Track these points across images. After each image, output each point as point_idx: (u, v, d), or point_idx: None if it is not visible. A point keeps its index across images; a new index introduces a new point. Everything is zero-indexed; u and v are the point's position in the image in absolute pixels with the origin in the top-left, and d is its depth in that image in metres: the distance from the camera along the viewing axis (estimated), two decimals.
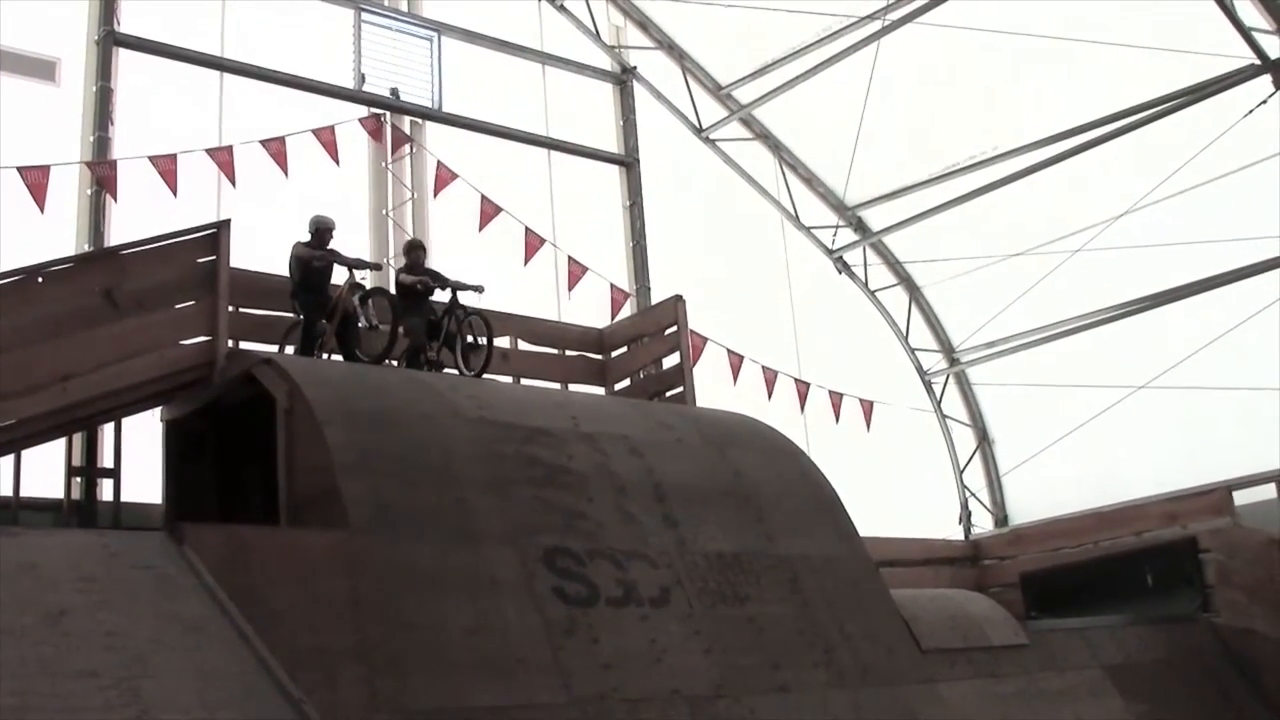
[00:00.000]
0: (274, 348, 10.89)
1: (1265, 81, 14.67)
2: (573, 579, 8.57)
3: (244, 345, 10.62)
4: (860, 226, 19.32)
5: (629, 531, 9.26)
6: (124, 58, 13.21)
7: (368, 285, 11.72)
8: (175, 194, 12.54)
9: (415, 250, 11.65)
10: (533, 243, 15.24)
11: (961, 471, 19.71)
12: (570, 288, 15.60)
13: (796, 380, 17.21)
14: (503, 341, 12.34)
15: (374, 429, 8.65)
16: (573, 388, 13.00)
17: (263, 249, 11.08)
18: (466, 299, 11.51)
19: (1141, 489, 15.81)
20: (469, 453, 8.95)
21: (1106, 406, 17.04)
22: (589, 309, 15.30)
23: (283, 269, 10.89)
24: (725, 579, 9.49)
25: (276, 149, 13.45)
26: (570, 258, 15.63)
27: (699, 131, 18.36)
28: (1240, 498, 14.71)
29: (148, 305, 9.48)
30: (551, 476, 9.20)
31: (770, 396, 16.52)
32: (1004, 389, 19.15)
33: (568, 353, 13.41)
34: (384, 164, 15.32)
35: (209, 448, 10.33)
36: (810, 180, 19.19)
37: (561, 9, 17.52)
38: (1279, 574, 13.14)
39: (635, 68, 18.10)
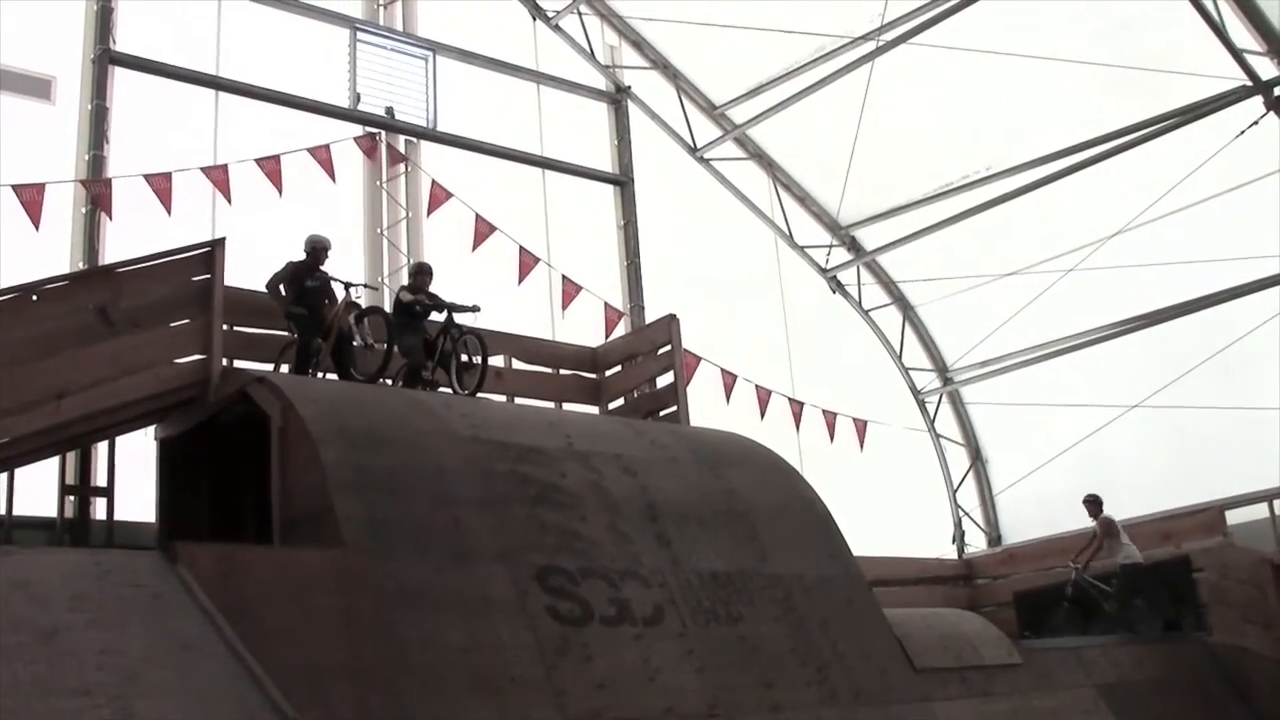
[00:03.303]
0: (269, 366, 10.88)
1: (1257, 103, 14.77)
2: (566, 598, 8.58)
3: (239, 363, 10.61)
4: (854, 246, 19.39)
5: (622, 550, 9.26)
6: (120, 76, 13.23)
7: (363, 304, 11.71)
8: (170, 212, 12.53)
9: (422, 274, 11.65)
10: (527, 262, 15.25)
11: (955, 490, 19.73)
12: (564, 306, 15.58)
13: (790, 399, 17.22)
14: (497, 360, 12.35)
15: (368, 447, 8.65)
16: (567, 407, 13.00)
17: (258, 264, 11.09)
18: (462, 319, 11.52)
19: (1135, 508, 15.80)
20: (463, 471, 8.96)
21: (1099, 426, 17.09)
22: (583, 328, 15.28)
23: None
24: (718, 598, 9.50)
25: (271, 168, 13.46)
26: (564, 276, 15.63)
27: (693, 151, 18.43)
28: (1233, 517, 14.79)
29: (142, 323, 9.48)
30: (545, 495, 9.21)
31: (764, 416, 16.52)
32: (997, 408, 19.20)
33: (562, 371, 13.42)
34: (379, 183, 15.35)
35: (203, 466, 10.32)
36: (804, 200, 19.26)
37: (556, 29, 17.58)
38: (1271, 593, 13.16)
39: (630, 87, 18.15)
